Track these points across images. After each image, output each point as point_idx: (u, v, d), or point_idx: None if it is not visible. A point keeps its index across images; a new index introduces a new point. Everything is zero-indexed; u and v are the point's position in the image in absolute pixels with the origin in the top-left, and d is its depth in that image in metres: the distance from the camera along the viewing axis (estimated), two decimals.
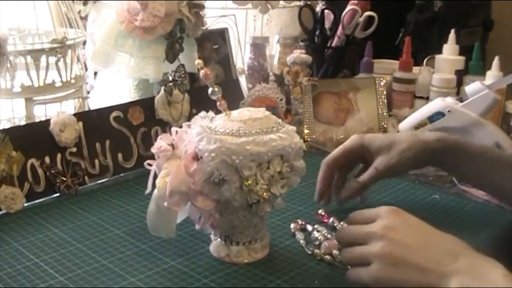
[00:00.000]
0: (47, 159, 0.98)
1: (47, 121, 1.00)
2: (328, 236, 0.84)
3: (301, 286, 0.74)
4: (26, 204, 0.94)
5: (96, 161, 1.04)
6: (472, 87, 1.10)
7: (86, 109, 1.17)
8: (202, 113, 0.79)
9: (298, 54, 1.33)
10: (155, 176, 0.78)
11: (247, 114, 0.76)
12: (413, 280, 0.63)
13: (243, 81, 1.41)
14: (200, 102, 1.01)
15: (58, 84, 1.09)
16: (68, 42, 1.08)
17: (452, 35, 1.38)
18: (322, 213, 0.91)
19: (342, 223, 0.86)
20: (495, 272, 0.60)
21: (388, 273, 0.64)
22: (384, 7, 1.46)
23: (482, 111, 1.07)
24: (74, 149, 1.01)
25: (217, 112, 0.78)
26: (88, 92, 1.23)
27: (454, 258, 0.63)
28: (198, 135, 0.74)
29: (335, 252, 0.79)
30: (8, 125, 1.07)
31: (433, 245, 0.65)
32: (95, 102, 1.23)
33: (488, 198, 0.97)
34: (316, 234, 0.85)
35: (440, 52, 1.40)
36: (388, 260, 0.64)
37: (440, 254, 0.63)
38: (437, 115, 1.09)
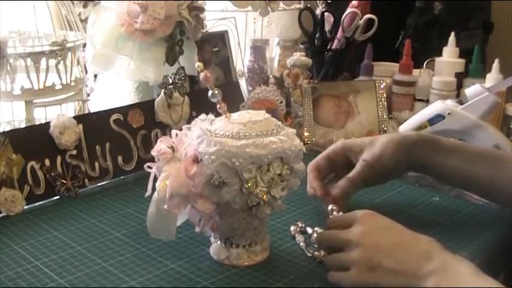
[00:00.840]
0: (47, 162, 0.98)
1: (47, 124, 1.00)
2: None
3: None
4: (26, 207, 0.94)
5: (96, 164, 1.04)
6: (472, 89, 1.10)
7: (86, 112, 1.17)
8: (202, 116, 0.79)
9: (298, 56, 1.33)
10: (155, 179, 0.78)
11: (247, 117, 0.76)
12: (390, 283, 0.67)
13: (243, 83, 1.41)
14: (200, 104, 1.01)
15: (58, 86, 1.09)
16: (68, 45, 1.08)
17: (452, 37, 1.38)
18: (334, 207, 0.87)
19: (315, 228, 0.87)
20: (465, 268, 0.65)
21: (366, 278, 0.68)
22: (384, 10, 1.46)
23: (482, 113, 1.08)
24: (74, 152, 1.01)
25: (217, 115, 0.78)
26: (88, 95, 1.23)
27: (427, 259, 0.66)
28: (198, 138, 0.74)
29: None
30: (8, 128, 1.07)
31: (408, 247, 0.69)
32: (95, 105, 1.23)
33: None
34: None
35: (440, 55, 1.40)
36: (365, 266, 0.68)
37: (415, 256, 0.67)
38: (438, 117, 1.09)
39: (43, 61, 1.06)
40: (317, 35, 1.46)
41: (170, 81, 1.12)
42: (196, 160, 0.73)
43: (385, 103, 1.29)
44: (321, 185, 0.91)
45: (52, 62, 1.06)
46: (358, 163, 0.91)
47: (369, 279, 0.68)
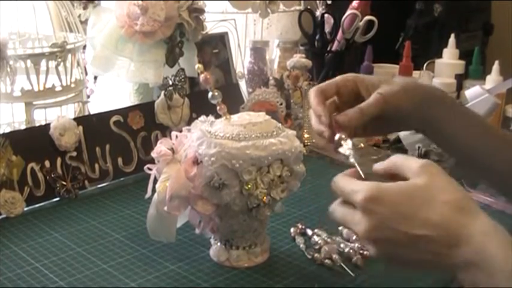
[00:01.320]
0: (47, 164, 0.98)
1: (47, 125, 1.00)
2: (328, 240, 0.84)
3: None
4: (26, 209, 0.94)
5: (96, 165, 1.04)
6: (472, 91, 1.10)
7: (86, 113, 1.17)
8: (202, 117, 0.79)
9: (298, 58, 1.33)
10: (155, 181, 0.78)
11: (247, 119, 0.76)
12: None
13: (243, 85, 1.41)
14: (200, 106, 1.01)
15: (58, 88, 1.09)
16: (68, 47, 1.08)
17: (452, 39, 1.39)
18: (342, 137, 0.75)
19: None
20: (496, 251, 0.58)
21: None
22: (384, 11, 1.46)
23: (482, 115, 1.07)
24: (74, 153, 1.01)
25: (217, 116, 0.78)
26: (88, 96, 1.23)
27: (456, 246, 0.58)
28: (198, 140, 0.74)
29: (335, 256, 0.79)
30: (8, 129, 1.07)
31: (430, 239, 0.58)
32: (95, 107, 1.23)
33: (489, 203, 0.97)
34: (316, 238, 0.85)
35: (440, 56, 1.40)
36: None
37: (441, 248, 0.58)
38: None
39: (43, 63, 1.06)
40: (317, 37, 1.46)
41: (170, 82, 1.12)
42: (196, 162, 0.73)
43: None
44: (327, 110, 0.76)
45: (52, 63, 1.06)
46: (372, 96, 0.78)
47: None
